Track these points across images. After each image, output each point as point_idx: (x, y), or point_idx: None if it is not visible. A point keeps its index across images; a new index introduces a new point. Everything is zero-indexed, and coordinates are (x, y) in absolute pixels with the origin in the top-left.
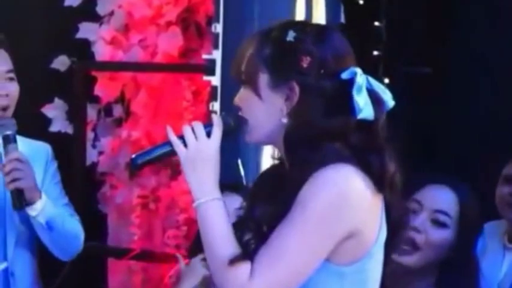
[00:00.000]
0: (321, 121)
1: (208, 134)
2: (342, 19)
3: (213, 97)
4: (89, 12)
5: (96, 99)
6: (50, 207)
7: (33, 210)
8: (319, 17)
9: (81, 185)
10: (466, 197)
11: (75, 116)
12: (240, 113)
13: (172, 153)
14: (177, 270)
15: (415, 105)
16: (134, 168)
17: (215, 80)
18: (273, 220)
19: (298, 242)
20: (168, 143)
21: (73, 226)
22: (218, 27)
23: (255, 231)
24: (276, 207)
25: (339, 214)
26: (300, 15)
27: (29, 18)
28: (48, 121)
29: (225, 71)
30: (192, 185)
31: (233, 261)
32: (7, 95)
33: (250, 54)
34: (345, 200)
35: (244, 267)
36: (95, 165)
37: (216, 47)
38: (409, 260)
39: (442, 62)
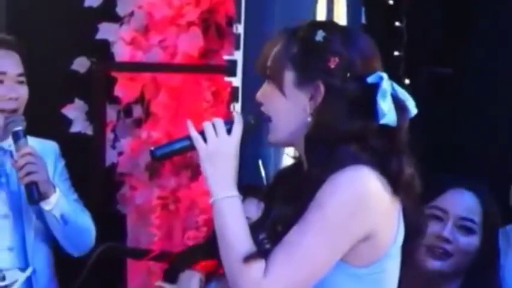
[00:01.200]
0: (343, 123)
1: (229, 131)
2: (363, 19)
3: (234, 98)
4: (109, 12)
5: (116, 100)
6: (63, 201)
7: (48, 204)
8: (340, 17)
9: (101, 185)
10: (488, 199)
11: (95, 116)
12: (261, 109)
13: (192, 147)
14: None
15: (436, 106)
16: (154, 160)
17: (236, 81)
18: (288, 220)
19: (313, 242)
20: (188, 137)
21: (85, 221)
22: (239, 28)
23: (270, 230)
24: (292, 208)
25: (355, 215)
26: (321, 15)
27: (49, 19)
28: (68, 122)
29: (246, 71)
30: (209, 181)
31: (248, 258)
32: (17, 99)
33: (277, 51)
34: (361, 202)
35: (259, 264)
36: (114, 165)
37: (237, 47)
38: (443, 265)
39: (463, 62)
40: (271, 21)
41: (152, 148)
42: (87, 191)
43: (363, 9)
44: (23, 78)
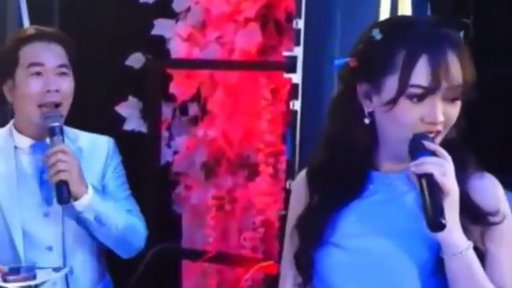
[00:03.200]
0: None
1: None
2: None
3: (293, 95)
4: (164, 8)
5: (171, 98)
6: (99, 201)
7: (80, 206)
8: (405, 13)
9: (156, 185)
10: None
11: (150, 114)
12: (441, 128)
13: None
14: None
15: (501, 105)
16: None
17: (296, 78)
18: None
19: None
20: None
21: (129, 221)
22: (300, 23)
23: None
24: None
25: None
26: (384, 10)
27: (105, 15)
28: (122, 119)
29: (307, 68)
30: (456, 229)
31: None
32: (58, 91)
33: (466, 67)
34: None
35: None
36: (169, 164)
37: (297, 43)
38: None
39: None
40: (333, 16)
41: (442, 220)
42: (142, 191)
43: (429, 4)
44: (65, 70)
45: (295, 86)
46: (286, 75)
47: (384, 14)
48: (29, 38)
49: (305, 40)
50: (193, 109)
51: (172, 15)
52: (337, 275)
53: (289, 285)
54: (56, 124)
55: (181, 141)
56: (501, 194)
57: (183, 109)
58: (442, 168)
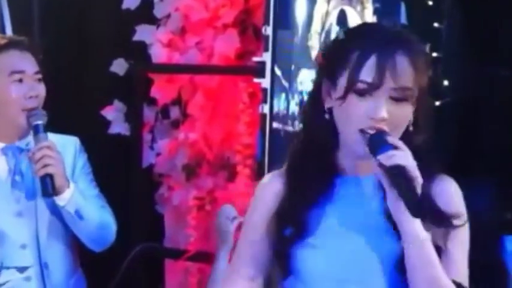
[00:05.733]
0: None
1: None
2: (404, 19)
3: (263, 99)
4: (146, 15)
5: (153, 101)
6: (78, 196)
7: (62, 200)
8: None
9: (139, 186)
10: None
11: (133, 118)
12: (382, 126)
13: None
14: None
15: (494, 106)
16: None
17: (265, 82)
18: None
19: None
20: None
21: (104, 217)
22: (268, 30)
23: None
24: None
25: None
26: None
27: (88, 22)
28: (108, 123)
29: (275, 73)
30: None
31: None
32: (37, 96)
33: (412, 70)
34: None
35: None
36: (152, 166)
37: (266, 49)
38: None
39: None
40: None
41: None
42: (126, 191)
43: (404, 9)
44: (40, 76)
45: (264, 90)
46: (256, 80)
47: (353, 22)
48: (3, 47)
49: (273, 46)
50: (175, 112)
51: (154, 21)
52: (316, 276)
53: (242, 281)
54: (40, 122)
55: (163, 144)
56: (460, 195)
57: (165, 112)
58: (411, 160)
